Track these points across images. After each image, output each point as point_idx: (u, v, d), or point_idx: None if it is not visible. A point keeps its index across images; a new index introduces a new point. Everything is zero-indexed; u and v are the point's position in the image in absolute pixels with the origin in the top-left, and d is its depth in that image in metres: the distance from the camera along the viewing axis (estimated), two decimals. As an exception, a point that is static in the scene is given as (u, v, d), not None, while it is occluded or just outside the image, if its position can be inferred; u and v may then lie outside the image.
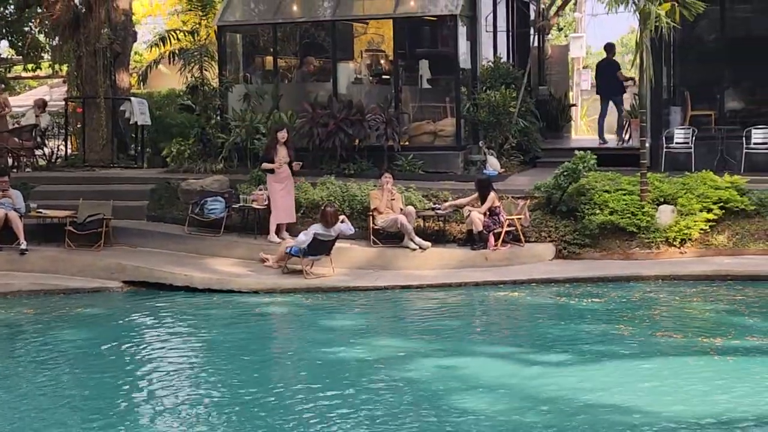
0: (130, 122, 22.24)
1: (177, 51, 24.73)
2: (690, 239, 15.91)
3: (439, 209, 16.64)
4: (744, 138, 18.95)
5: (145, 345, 12.60)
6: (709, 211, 16.01)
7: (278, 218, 16.82)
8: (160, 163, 21.27)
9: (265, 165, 16.93)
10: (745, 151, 18.90)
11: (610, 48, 22.79)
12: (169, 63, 25.94)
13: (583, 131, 30.27)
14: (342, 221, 15.78)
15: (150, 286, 15.71)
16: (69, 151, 23.16)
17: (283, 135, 16.98)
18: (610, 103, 22.27)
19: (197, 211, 17.40)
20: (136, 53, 29.93)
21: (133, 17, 25.68)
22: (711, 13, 19.00)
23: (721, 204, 16.10)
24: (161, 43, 26.06)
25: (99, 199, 17.94)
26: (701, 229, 15.92)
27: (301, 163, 17.13)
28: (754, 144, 18.94)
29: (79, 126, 23.10)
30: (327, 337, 12.50)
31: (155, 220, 18.32)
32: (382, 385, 10.47)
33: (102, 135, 21.96)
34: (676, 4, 16.37)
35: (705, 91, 20.49)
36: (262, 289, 15.16)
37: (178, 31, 26.00)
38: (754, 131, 18.98)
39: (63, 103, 24.26)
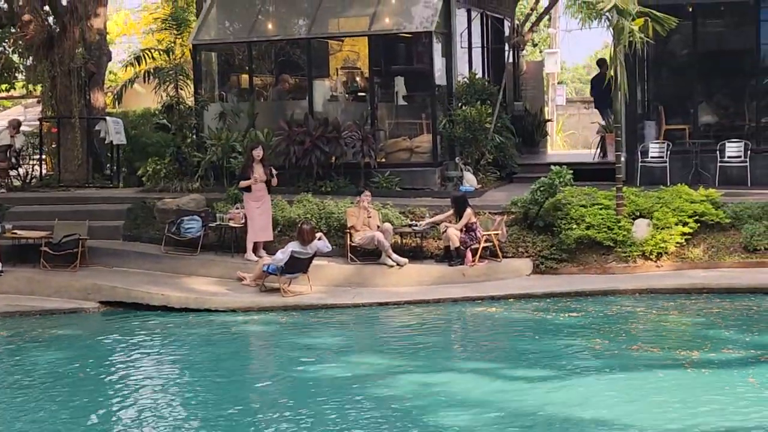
0: (106, 142, 22.14)
1: (152, 70, 24.69)
2: (666, 253, 15.97)
3: (416, 226, 16.66)
4: (718, 152, 19.09)
5: (121, 366, 12.50)
6: (685, 224, 16.09)
7: (255, 236, 16.78)
8: (136, 183, 21.19)
9: (242, 183, 16.90)
10: (719, 164, 19.03)
11: (602, 63, 23.17)
12: (144, 82, 25.88)
13: (558, 146, 30.37)
14: (319, 238, 15.76)
15: (127, 306, 15.63)
16: (44, 171, 23.03)
17: (258, 153, 16.96)
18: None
19: (174, 230, 17.34)
20: (110, 72, 29.83)
21: (108, 36, 25.60)
22: (683, 28, 19.18)
23: (697, 217, 16.19)
24: (136, 62, 25.98)
25: (75, 219, 17.86)
26: (677, 243, 15.99)
27: (275, 180, 17.08)
28: (728, 157, 19.08)
29: (54, 146, 22.97)
30: (305, 355, 12.46)
31: (131, 240, 18.24)
32: (361, 402, 10.44)
33: (77, 155, 21.87)
34: (649, 20, 16.48)
35: (679, 105, 20.64)
36: (240, 308, 15.10)
37: (153, 50, 25.94)
38: (727, 145, 19.13)
39: (38, 123, 24.12)
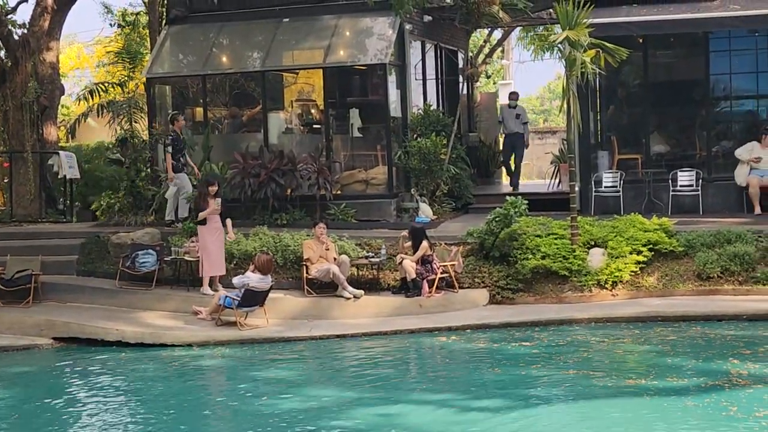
0: (59, 176, 21.98)
1: (105, 103, 24.55)
2: (621, 281, 16.08)
3: (372, 257, 16.64)
4: (670, 180, 19.30)
5: (74, 403, 12.33)
6: (639, 253, 16.22)
7: (213, 270, 16.68)
8: (90, 217, 21.02)
9: (201, 214, 16.77)
10: (671, 193, 19.25)
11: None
12: (98, 116, 25.72)
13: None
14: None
15: (81, 342, 15.45)
16: (-4, 206, 22.83)
17: (213, 189, 16.90)
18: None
19: (128, 264, 17.21)
20: (63, 106, 29.63)
21: (61, 70, 25.45)
22: (634, 59, 19.44)
23: (651, 246, 16.33)
24: (89, 96, 25.84)
25: (27, 254, 17.68)
26: (632, 272, 16.11)
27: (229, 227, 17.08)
28: (680, 186, 19.30)
29: (6, 181, 22.76)
30: (261, 389, 12.37)
31: (85, 275, 18.08)
32: (319, 436, 10.39)
33: (30, 189, 21.68)
34: (601, 51, 16.68)
35: (631, 135, 20.88)
36: (196, 342, 14.98)
37: (106, 84, 25.82)
38: (679, 174, 19.36)
39: (-11, 157, 23.90)
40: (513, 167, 23.09)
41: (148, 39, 23.94)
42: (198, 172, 19.03)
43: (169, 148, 18.63)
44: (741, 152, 18.91)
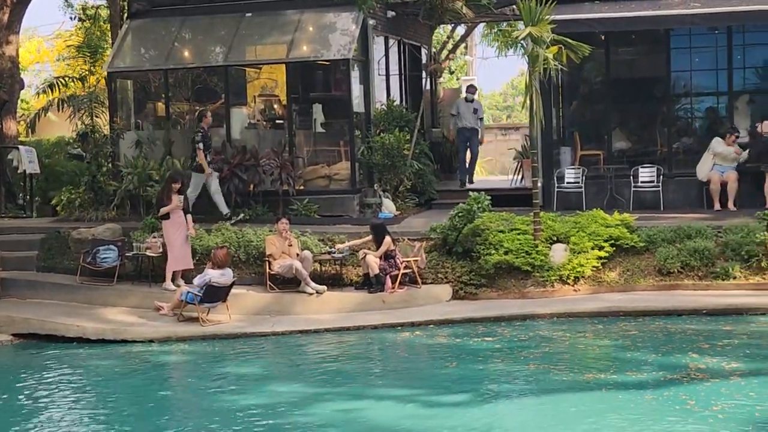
0: (18, 171, 21.76)
1: (66, 98, 24.35)
2: (583, 277, 16.17)
3: (334, 253, 16.63)
4: (632, 177, 19.42)
5: (32, 400, 12.19)
6: (601, 248, 16.32)
7: (177, 265, 16.60)
8: (50, 212, 20.84)
9: (163, 209, 16.68)
10: (633, 189, 19.37)
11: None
12: (58, 110, 25.54)
13: (476, 172, 30.58)
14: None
15: (41, 338, 15.33)
16: (-45, 201, 22.56)
17: (177, 186, 16.81)
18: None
19: (89, 260, 17.08)
20: (23, 101, 29.34)
21: (20, 64, 25.19)
22: (597, 56, 19.55)
23: (612, 241, 16.42)
24: (50, 90, 25.62)
25: (-14, 250, 17.50)
26: (593, 267, 16.19)
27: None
28: (642, 182, 19.43)
29: (-35, 176, 22.51)
30: (223, 385, 12.33)
31: (46, 271, 17.91)
32: (279, 431, 10.33)
33: (-12, 184, 21.45)
34: (563, 47, 16.75)
35: (593, 131, 21.00)
36: (158, 338, 14.90)
37: (66, 78, 25.59)
38: (641, 170, 19.48)
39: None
40: (467, 163, 22.66)
41: (110, 33, 23.74)
42: (209, 171, 18.76)
43: (200, 145, 18.38)
44: (723, 149, 18.83)
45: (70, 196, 19.85)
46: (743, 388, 11.09)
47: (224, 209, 18.60)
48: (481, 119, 23.06)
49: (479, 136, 22.74)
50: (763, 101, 20.44)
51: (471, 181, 22.31)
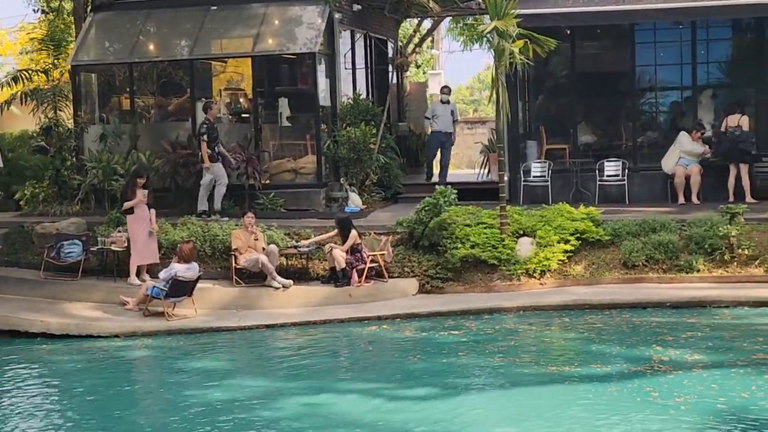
0: (-19, 165, 21.53)
1: (29, 91, 24.07)
2: (549, 270, 16.22)
3: (300, 247, 16.59)
4: (597, 170, 19.54)
5: (-2, 395, 12.13)
6: (567, 242, 16.39)
7: (141, 259, 16.50)
8: (13, 207, 20.65)
9: (127, 203, 16.58)
10: (598, 183, 19.49)
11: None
12: (22, 104, 25.21)
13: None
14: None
15: (4, 333, 15.19)
16: None
17: (142, 181, 16.71)
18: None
19: (53, 254, 16.95)
20: (-15, 94, 29.02)
21: (-17, 57, 24.95)
22: (563, 50, 19.63)
23: (578, 235, 16.50)
24: (13, 83, 25.32)
25: (-52, 245, 17.33)
26: (559, 260, 16.26)
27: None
28: (607, 176, 19.55)
29: (-74, 170, 22.25)
30: (189, 380, 12.28)
31: (9, 266, 17.76)
32: (245, 425, 10.31)
33: (-49, 179, 21.21)
34: (529, 41, 16.79)
35: (559, 125, 21.09)
36: (123, 333, 14.82)
37: (30, 71, 25.31)
38: (606, 164, 19.60)
39: None
40: (440, 166, 22.37)
41: (73, 26, 23.51)
42: (232, 161, 18.57)
43: (204, 137, 18.21)
44: (691, 147, 18.93)
45: (34, 191, 19.69)
46: (705, 379, 11.18)
47: (203, 206, 18.49)
48: (456, 121, 22.84)
49: (453, 138, 22.58)
50: (726, 96, 20.60)
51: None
